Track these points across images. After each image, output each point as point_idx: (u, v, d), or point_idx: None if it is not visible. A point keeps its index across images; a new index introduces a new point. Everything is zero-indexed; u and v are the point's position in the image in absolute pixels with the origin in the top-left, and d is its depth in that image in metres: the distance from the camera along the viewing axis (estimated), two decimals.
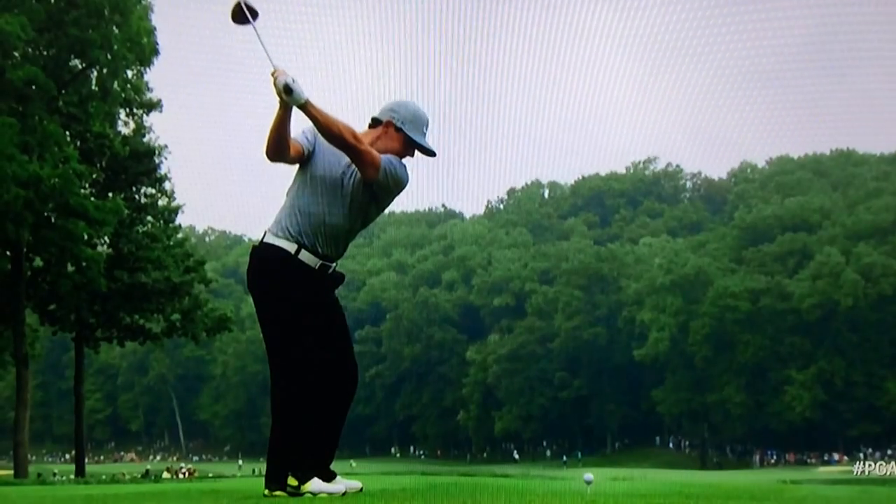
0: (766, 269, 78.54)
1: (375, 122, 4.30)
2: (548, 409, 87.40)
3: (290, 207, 4.19)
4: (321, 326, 4.19)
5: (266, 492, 4.13)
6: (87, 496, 5.60)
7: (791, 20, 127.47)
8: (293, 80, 3.91)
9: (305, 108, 3.96)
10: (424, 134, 4.29)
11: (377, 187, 4.16)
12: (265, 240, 4.17)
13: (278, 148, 4.11)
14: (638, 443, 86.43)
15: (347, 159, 4.15)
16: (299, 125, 4.23)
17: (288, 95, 3.92)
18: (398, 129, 4.23)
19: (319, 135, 4.20)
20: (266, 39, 4.12)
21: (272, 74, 3.91)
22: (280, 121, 4.05)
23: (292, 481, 4.08)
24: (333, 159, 4.19)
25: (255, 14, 4.16)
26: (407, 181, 4.28)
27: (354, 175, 4.15)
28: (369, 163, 4.07)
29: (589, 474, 4.56)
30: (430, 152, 4.34)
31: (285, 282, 4.08)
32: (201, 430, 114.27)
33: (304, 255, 4.10)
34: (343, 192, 4.15)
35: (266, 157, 4.19)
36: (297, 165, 4.29)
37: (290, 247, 4.09)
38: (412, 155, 4.31)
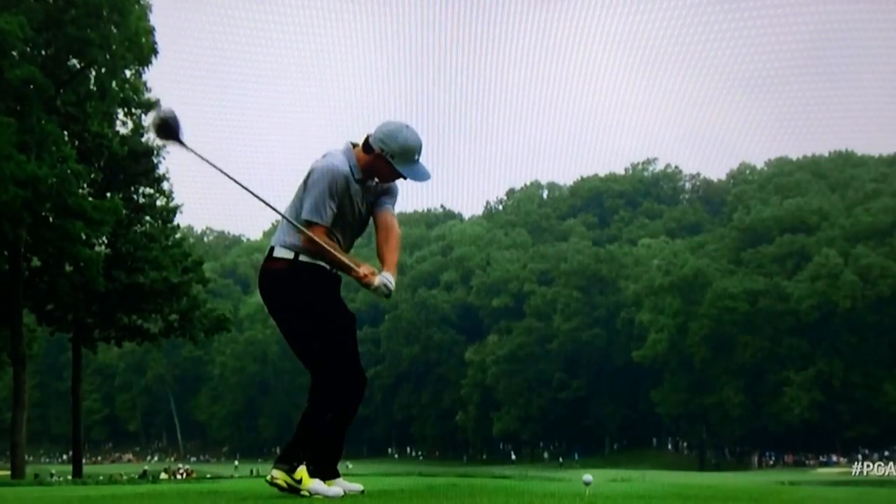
0: (764, 271, 78.53)
1: (368, 146, 4.29)
2: (546, 410, 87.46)
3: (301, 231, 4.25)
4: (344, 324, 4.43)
5: (269, 477, 4.23)
6: (85, 497, 5.58)
7: (790, 23, 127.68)
8: (389, 280, 4.21)
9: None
10: (417, 160, 4.29)
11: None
12: (276, 254, 4.32)
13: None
14: (636, 444, 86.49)
15: (365, 197, 4.40)
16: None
17: (387, 298, 4.33)
18: (388, 162, 4.26)
19: (338, 195, 4.26)
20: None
21: (363, 277, 4.16)
22: (335, 263, 4.28)
23: (297, 475, 4.14)
24: (358, 205, 4.37)
25: (175, 129, 4.22)
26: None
27: (367, 204, 4.43)
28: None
29: (588, 475, 4.56)
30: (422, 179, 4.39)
31: (306, 281, 4.28)
32: (199, 430, 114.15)
33: (318, 263, 4.31)
34: (364, 223, 4.51)
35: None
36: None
37: (304, 258, 4.29)
38: (405, 177, 4.35)
